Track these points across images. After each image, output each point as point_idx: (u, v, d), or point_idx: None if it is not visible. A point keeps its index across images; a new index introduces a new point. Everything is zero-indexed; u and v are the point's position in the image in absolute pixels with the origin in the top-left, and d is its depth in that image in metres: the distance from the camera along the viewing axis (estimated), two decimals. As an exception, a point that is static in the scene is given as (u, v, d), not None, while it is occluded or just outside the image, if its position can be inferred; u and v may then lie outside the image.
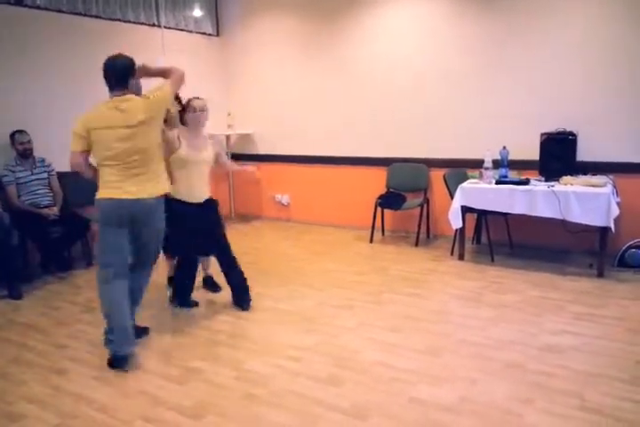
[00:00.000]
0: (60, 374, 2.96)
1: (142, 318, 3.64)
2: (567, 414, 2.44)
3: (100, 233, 3.07)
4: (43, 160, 4.79)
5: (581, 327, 3.36)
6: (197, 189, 3.67)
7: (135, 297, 3.21)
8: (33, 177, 4.67)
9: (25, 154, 4.63)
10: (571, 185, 4.35)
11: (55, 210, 4.66)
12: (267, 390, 2.74)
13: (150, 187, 3.04)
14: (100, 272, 3.09)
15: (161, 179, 3.11)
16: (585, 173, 4.65)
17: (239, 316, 3.71)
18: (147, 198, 3.01)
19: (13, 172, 4.57)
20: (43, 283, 4.56)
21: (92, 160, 3.06)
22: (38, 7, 4.91)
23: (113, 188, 2.98)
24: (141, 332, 3.36)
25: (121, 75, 2.93)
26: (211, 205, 3.78)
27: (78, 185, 5.03)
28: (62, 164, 4.91)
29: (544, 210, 4.33)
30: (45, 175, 4.77)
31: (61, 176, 4.90)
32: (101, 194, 3.02)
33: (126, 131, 2.91)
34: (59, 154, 4.92)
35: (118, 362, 2.99)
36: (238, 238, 5.83)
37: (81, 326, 3.63)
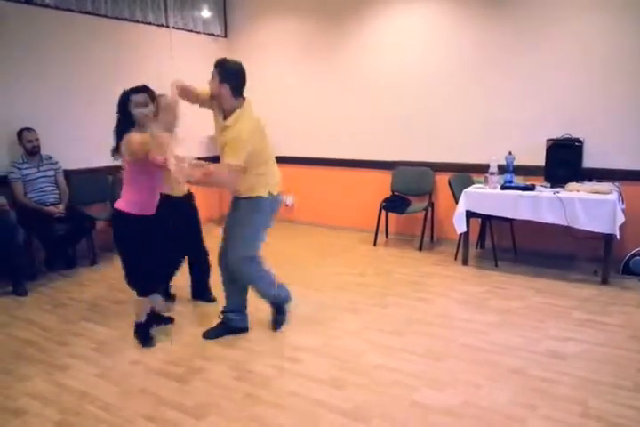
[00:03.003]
0: (63, 371, 2.97)
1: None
2: (570, 421, 2.43)
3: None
4: (50, 158, 4.80)
5: (585, 334, 3.36)
6: None
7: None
8: (39, 174, 4.69)
9: (32, 151, 4.65)
10: (576, 192, 4.34)
11: (61, 208, 4.67)
12: (268, 391, 2.75)
13: None
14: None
15: None
16: (590, 180, 4.64)
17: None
18: None
19: (20, 169, 4.59)
20: (47, 280, 4.57)
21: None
22: (47, 6, 4.93)
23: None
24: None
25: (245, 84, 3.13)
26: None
27: (84, 183, 5.10)
28: (69, 161, 4.97)
29: (549, 216, 4.32)
30: (52, 173, 4.79)
31: (68, 174, 4.93)
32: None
33: None
34: (65, 152, 4.97)
35: None
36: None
37: (85, 324, 3.63)
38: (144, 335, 3.32)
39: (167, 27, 6.03)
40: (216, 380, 2.86)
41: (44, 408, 2.61)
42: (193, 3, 6.35)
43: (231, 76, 2.99)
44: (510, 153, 4.69)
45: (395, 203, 5.56)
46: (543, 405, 2.57)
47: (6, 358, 3.14)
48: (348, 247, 5.60)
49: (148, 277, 3.23)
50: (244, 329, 3.44)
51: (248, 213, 3.21)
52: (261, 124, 3.13)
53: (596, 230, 4.20)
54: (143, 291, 3.25)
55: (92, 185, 5.15)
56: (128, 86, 3.15)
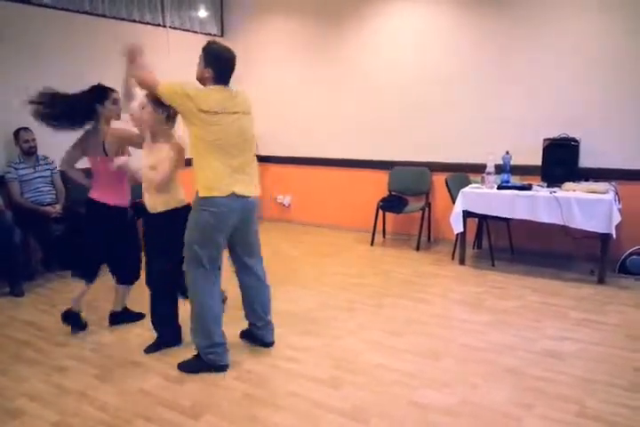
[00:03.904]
0: (60, 372, 2.97)
1: (143, 319, 3.65)
2: (566, 420, 2.44)
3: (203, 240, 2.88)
4: (46, 158, 4.80)
5: (581, 333, 3.37)
6: None
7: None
8: (36, 174, 4.68)
9: (29, 151, 4.64)
10: (573, 191, 4.36)
11: (57, 208, 4.66)
12: (266, 390, 2.75)
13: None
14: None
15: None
16: (587, 180, 4.66)
17: (239, 316, 3.70)
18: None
19: (16, 169, 4.58)
20: (44, 281, 4.57)
21: None
22: (44, 5, 4.92)
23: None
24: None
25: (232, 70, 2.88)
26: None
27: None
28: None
29: (546, 216, 4.34)
30: (48, 173, 4.78)
31: (64, 174, 4.91)
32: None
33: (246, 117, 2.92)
34: (62, 151, 4.94)
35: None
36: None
37: (82, 325, 3.63)
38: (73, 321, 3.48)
39: (164, 26, 6.03)
40: (214, 380, 2.86)
41: (41, 409, 2.61)
42: (190, 2, 6.34)
43: (215, 60, 2.79)
44: (507, 153, 4.71)
45: (392, 203, 5.57)
46: (540, 404, 2.58)
47: (3, 359, 3.14)
48: (345, 247, 5.61)
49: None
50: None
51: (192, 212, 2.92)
52: (224, 115, 2.78)
53: (592, 230, 4.22)
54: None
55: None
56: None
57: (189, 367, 2.96)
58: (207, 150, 2.78)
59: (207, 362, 2.94)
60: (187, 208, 3.00)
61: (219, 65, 2.80)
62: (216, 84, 2.81)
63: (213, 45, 2.86)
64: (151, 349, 3.20)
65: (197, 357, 2.97)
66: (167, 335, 3.24)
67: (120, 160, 3.11)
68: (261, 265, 3.21)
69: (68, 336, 3.44)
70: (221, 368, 2.95)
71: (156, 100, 2.90)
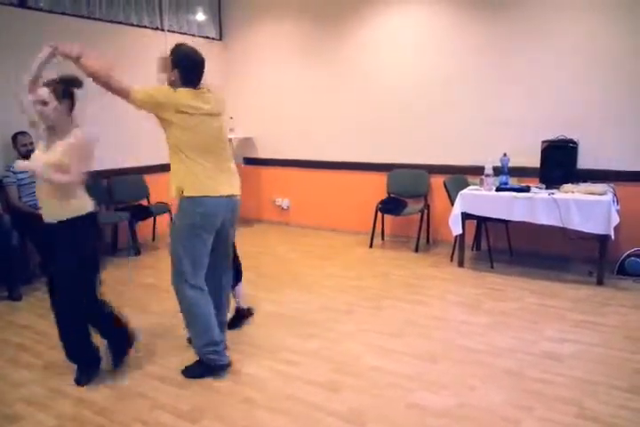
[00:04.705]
0: (58, 376, 2.96)
1: (142, 322, 3.64)
2: (565, 422, 2.44)
3: (189, 241, 2.83)
4: (44, 162, 4.79)
5: (580, 335, 3.37)
6: None
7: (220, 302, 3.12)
8: (34, 178, 4.67)
9: (27, 155, 4.61)
10: (571, 193, 4.36)
11: (56, 212, 4.65)
12: (264, 394, 2.74)
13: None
14: (193, 289, 2.88)
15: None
16: (585, 181, 4.66)
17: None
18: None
19: (15, 173, 4.58)
20: (42, 284, 4.53)
21: None
22: (41, 9, 4.93)
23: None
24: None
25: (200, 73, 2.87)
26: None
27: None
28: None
29: (544, 217, 4.34)
30: (47, 177, 4.77)
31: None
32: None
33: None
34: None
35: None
36: (238, 241, 5.81)
37: (80, 328, 3.62)
38: None
39: (162, 30, 6.03)
40: (212, 384, 2.86)
41: (39, 414, 2.60)
42: (188, 6, 6.35)
43: (180, 61, 2.79)
44: (505, 154, 4.71)
45: (391, 205, 5.57)
46: (539, 406, 2.57)
47: (0, 364, 3.13)
48: (344, 250, 5.60)
49: None
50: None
51: (177, 217, 2.90)
52: (200, 116, 2.77)
53: (590, 231, 4.21)
54: None
55: (87, 188, 5.13)
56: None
57: (193, 373, 2.94)
58: (192, 151, 2.76)
59: (208, 363, 2.92)
60: (91, 216, 2.89)
61: (184, 66, 2.79)
62: (185, 87, 2.76)
63: (180, 47, 2.87)
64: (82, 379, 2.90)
65: (199, 362, 2.96)
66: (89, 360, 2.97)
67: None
68: (229, 280, 3.17)
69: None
70: (222, 368, 2.94)
71: (61, 92, 2.89)
